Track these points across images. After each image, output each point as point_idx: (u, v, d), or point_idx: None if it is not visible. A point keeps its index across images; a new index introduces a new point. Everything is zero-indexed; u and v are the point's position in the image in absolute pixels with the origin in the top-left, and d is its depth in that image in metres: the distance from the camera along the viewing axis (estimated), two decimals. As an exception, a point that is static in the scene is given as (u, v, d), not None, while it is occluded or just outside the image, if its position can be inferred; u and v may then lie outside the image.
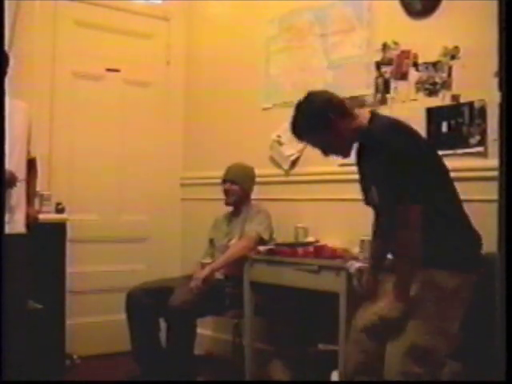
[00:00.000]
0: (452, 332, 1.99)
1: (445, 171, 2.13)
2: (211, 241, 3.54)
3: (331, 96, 2.22)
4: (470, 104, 2.68)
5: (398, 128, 2.10)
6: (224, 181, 3.44)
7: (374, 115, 2.18)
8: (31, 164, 3.03)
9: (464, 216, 2.10)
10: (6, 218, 2.68)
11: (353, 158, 3.17)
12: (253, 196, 3.50)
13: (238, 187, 3.41)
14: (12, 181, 2.76)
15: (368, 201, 2.21)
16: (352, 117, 2.17)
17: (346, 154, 2.23)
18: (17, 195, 2.84)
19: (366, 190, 2.20)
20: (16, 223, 2.83)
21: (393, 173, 1.98)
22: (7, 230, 2.59)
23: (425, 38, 2.88)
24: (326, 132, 2.14)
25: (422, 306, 1.96)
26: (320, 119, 2.13)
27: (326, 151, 2.23)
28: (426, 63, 2.88)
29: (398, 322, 1.95)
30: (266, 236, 3.26)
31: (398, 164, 1.97)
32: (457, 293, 1.97)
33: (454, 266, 1.98)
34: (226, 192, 3.43)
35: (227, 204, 3.46)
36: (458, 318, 2.00)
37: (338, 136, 2.15)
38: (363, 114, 2.19)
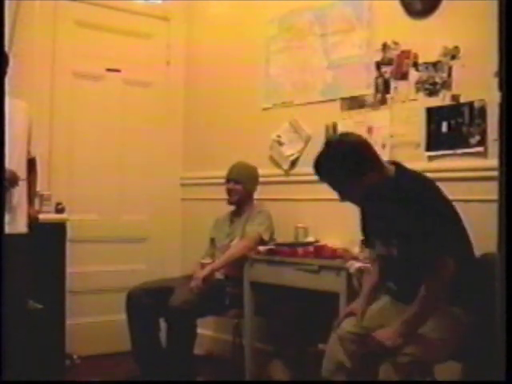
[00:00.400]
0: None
1: (460, 219, 2.16)
2: (212, 241, 3.54)
3: (365, 144, 2.19)
4: (470, 104, 2.68)
5: (427, 182, 2.14)
6: (227, 180, 3.43)
7: (398, 167, 2.19)
8: (31, 164, 3.03)
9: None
10: (8, 218, 2.69)
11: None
12: (254, 196, 3.50)
13: (242, 187, 3.40)
14: (14, 180, 2.76)
15: (370, 245, 2.27)
16: (380, 168, 2.16)
17: (362, 203, 2.25)
18: (18, 195, 2.84)
19: (370, 236, 2.27)
20: (17, 223, 2.84)
21: (429, 225, 2.00)
22: (9, 230, 2.60)
23: (425, 38, 2.88)
24: (353, 180, 2.12)
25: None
26: (351, 168, 2.10)
27: (344, 197, 2.21)
28: (426, 63, 2.87)
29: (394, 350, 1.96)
30: (266, 237, 3.26)
31: (434, 216, 2.01)
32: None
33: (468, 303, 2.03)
34: (229, 191, 3.42)
35: (230, 203, 3.45)
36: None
37: (363, 186, 2.13)
38: (388, 166, 2.20)
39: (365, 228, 2.35)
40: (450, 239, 2.01)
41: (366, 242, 2.39)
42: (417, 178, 2.16)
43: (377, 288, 2.32)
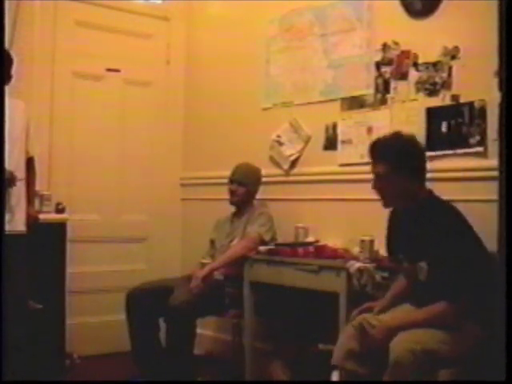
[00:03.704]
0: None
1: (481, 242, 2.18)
2: (212, 241, 3.54)
3: (423, 155, 2.30)
4: (470, 104, 2.68)
5: (455, 210, 2.20)
6: (231, 180, 3.43)
7: (432, 192, 2.26)
8: (29, 163, 3.03)
9: None
10: (7, 217, 2.69)
11: (352, 158, 3.18)
12: (255, 196, 3.50)
13: (245, 189, 3.39)
14: (12, 180, 2.76)
15: (395, 258, 2.32)
16: (420, 182, 2.23)
17: (388, 204, 2.28)
18: (17, 195, 2.85)
19: (396, 249, 2.31)
20: (16, 223, 2.84)
21: (461, 253, 2.05)
22: (7, 229, 2.60)
23: (425, 38, 2.88)
24: (402, 172, 2.18)
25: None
26: (409, 158, 2.19)
27: (379, 186, 2.25)
28: (426, 63, 2.87)
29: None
30: (267, 237, 3.26)
31: (465, 245, 2.06)
32: None
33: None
34: (232, 192, 3.41)
35: (231, 203, 3.45)
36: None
37: (403, 186, 2.19)
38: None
39: (390, 240, 2.40)
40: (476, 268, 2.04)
41: (391, 255, 2.42)
42: (446, 204, 2.22)
43: (401, 297, 2.34)
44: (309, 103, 3.43)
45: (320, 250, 2.95)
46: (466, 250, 2.06)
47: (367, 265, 2.59)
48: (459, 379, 2.11)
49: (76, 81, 3.86)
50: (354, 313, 2.37)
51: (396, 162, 2.18)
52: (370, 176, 2.32)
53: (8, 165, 2.60)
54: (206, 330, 3.77)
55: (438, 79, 2.82)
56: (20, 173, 2.87)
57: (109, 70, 3.99)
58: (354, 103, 3.18)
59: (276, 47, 3.64)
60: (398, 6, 2.98)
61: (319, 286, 2.80)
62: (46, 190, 3.48)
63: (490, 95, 2.46)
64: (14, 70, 2.89)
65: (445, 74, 2.79)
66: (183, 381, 3.02)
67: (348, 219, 3.13)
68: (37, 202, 3.29)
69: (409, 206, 2.23)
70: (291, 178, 3.49)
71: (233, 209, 3.50)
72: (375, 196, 2.33)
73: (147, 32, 4.15)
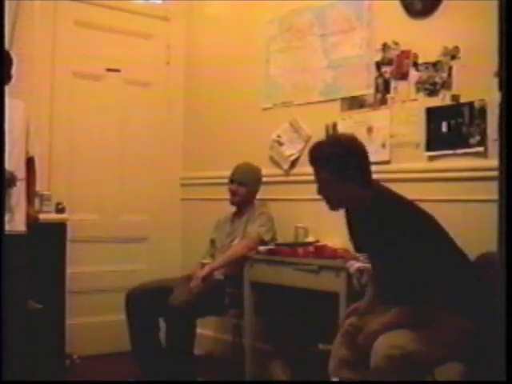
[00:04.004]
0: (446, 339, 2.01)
1: (442, 229, 2.15)
2: (212, 241, 3.54)
3: (362, 152, 2.20)
4: (470, 104, 2.68)
5: (402, 203, 2.15)
6: (231, 181, 3.43)
7: (380, 187, 2.20)
8: (30, 163, 3.03)
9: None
10: (7, 217, 2.69)
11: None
12: (256, 196, 3.49)
13: (245, 189, 3.39)
14: (12, 180, 2.76)
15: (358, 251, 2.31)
16: (367, 182, 2.17)
17: (334, 208, 2.24)
18: (17, 195, 2.85)
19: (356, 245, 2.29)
20: (16, 223, 2.84)
21: (408, 248, 2.01)
22: (7, 229, 2.60)
23: (425, 38, 2.88)
24: (345, 177, 2.12)
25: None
26: (350, 162, 2.12)
27: (324, 193, 2.21)
28: (426, 63, 2.87)
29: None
30: (267, 238, 3.26)
31: (412, 239, 2.02)
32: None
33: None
34: (233, 192, 3.41)
35: (232, 203, 3.45)
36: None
37: (348, 190, 2.15)
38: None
39: (352, 239, 2.37)
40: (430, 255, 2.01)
41: (355, 249, 2.42)
42: (396, 200, 2.16)
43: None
44: (309, 103, 3.43)
45: (320, 250, 2.95)
46: (420, 247, 2.00)
47: (367, 265, 2.59)
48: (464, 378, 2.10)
49: (76, 81, 3.86)
50: (342, 316, 2.35)
51: (337, 169, 2.12)
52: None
53: (8, 165, 2.60)
54: (206, 330, 3.77)
55: (438, 79, 2.82)
56: (20, 173, 2.87)
57: (109, 70, 3.99)
58: (354, 103, 3.18)
59: (276, 47, 3.64)
60: (398, 6, 2.98)
61: (319, 285, 2.80)
62: (46, 189, 3.49)
63: (490, 95, 2.46)
64: (14, 70, 2.89)
65: (445, 74, 2.79)
66: (183, 381, 3.02)
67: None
68: (37, 202, 3.29)
69: (356, 206, 2.20)
70: (291, 178, 3.49)
71: (233, 209, 3.50)
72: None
73: (147, 32, 4.15)
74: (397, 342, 1.95)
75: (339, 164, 2.12)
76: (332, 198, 2.20)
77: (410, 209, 2.13)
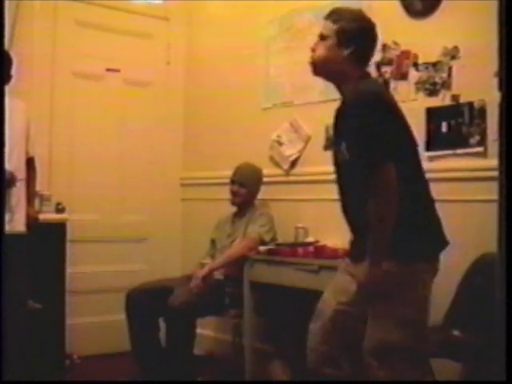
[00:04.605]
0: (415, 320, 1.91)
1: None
2: (212, 242, 3.54)
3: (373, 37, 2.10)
4: (470, 104, 2.68)
5: (368, 94, 1.98)
6: (232, 181, 3.43)
7: (366, 76, 2.08)
8: (30, 164, 3.04)
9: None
10: (7, 217, 2.69)
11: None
12: (256, 197, 3.50)
13: (246, 190, 3.40)
14: (12, 180, 2.76)
15: (336, 161, 2.10)
16: (361, 71, 2.05)
17: (316, 72, 2.10)
18: (17, 195, 2.85)
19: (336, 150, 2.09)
20: (16, 223, 2.84)
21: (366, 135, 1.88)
22: (7, 229, 2.60)
23: (425, 38, 2.88)
24: (339, 45, 2.02)
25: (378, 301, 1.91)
26: (348, 33, 2.02)
27: (316, 49, 2.11)
28: (426, 63, 2.87)
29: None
30: (267, 238, 3.26)
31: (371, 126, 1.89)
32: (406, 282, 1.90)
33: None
34: (233, 193, 3.41)
35: (232, 204, 3.45)
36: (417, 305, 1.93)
37: (337, 62, 2.03)
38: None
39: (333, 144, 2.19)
40: (391, 144, 1.91)
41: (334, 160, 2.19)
42: (358, 89, 2.00)
43: None
44: (309, 103, 3.43)
45: (320, 250, 2.95)
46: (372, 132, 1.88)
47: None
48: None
49: (76, 81, 3.86)
50: None
51: (343, 37, 2.02)
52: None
53: (8, 165, 2.60)
54: (206, 330, 3.77)
55: (437, 79, 2.82)
56: (20, 173, 2.87)
57: (109, 70, 3.99)
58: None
59: (276, 47, 3.64)
60: (398, 7, 2.98)
61: (319, 285, 2.79)
62: (46, 189, 3.49)
63: (490, 95, 2.46)
64: (13, 70, 2.89)
65: (445, 74, 2.79)
66: (183, 381, 3.02)
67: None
68: (37, 202, 3.30)
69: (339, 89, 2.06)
70: (291, 178, 3.50)
71: (233, 209, 3.50)
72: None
73: (147, 32, 4.15)
74: (379, 335, 1.89)
75: (347, 36, 2.03)
76: (320, 61, 2.08)
77: (373, 98, 1.96)
